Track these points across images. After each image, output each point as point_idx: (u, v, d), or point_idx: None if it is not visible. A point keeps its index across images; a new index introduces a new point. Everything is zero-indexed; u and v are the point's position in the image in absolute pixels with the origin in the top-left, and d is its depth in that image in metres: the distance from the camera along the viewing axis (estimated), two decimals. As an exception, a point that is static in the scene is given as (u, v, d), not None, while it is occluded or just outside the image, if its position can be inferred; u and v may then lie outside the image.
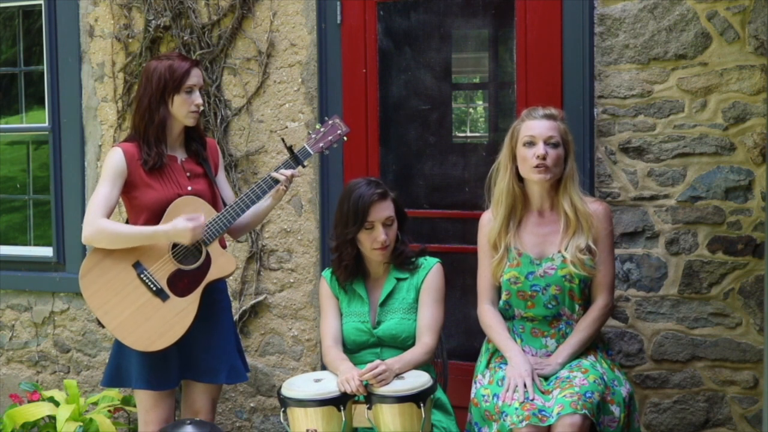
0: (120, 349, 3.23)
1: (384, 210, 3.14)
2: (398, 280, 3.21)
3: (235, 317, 4.20)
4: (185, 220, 3.10)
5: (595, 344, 3.12)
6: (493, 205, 3.21)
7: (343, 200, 3.20)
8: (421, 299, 3.18)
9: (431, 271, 3.20)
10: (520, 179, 3.16)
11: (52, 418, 3.97)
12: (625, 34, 3.58)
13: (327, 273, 3.31)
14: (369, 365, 2.95)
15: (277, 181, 3.26)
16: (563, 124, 3.13)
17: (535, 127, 3.08)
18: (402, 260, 3.20)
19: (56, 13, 4.53)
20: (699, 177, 3.54)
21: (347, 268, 3.20)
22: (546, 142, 3.06)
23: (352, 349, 3.19)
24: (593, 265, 3.07)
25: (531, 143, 3.08)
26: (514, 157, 3.14)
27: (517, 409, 2.82)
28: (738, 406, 3.57)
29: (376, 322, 3.19)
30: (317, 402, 2.90)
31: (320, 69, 4.06)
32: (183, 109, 3.21)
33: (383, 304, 3.19)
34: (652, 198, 3.60)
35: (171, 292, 3.15)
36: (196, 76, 3.23)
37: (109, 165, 3.18)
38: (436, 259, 3.25)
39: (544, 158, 3.03)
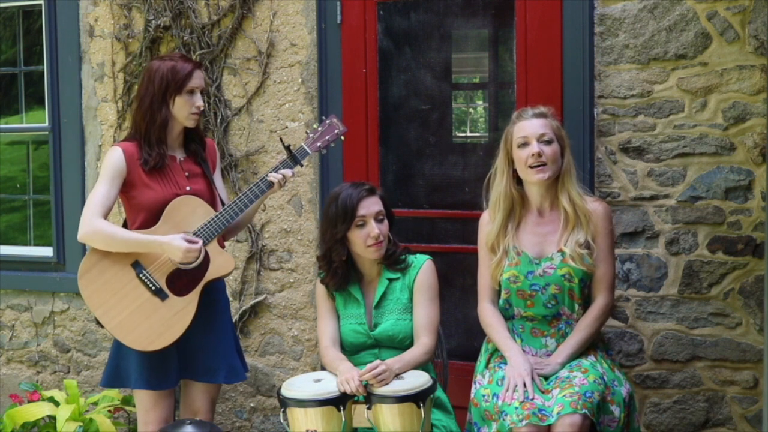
0: (119, 350, 3.23)
1: (373, 205, 3.14)
2: (390, 280, 3.20)
3: (235, 317, 4.20)
4: (183, 239, 3.10)
5: (595, 344, 3.12)
6: (490, 209, 3.21)
7: (329, 204, 3.18)
8: (415, 299, 3.17)
9: (422, 269, 3.19)
10: (518, 182, 3.16)
11: (52, 418, 3.97)
12: (625, 34, 3.58)
13: (323, 274, 3.30)
14: (369, 365, 2.95)
15: (273, 183, 3.26)
16: (555, 120, 3.14)
17: (527, 127, 3.09)
18: (393, 260, 3.20)
19: (56, 13, 4.53)
20: (699, 177, 3.54)
21: (337, 272, 3.17)
22: (539, 140, 3.06)
23: (351, 351, 3.19)
24: (592, 261, 3.07)
25: (525, 144, 3.08)
26: (510, 161, 3.14)
27: (517, 408, 2.82)
28: (738, 406, 3.57)
29: (372, 324, 3.18)
30: (317, 402, 2.90)
31: (320, 69, 4.06)
32: (184, 110, 3.21)
33: (378, 305, 3.19)
34: (652, 198, 3.60)
35: (170, 291, 3.15)
36: (198, 78, 3.23)
37: (108, 164, 3.18)
38: (426, 257, 3.24)
39: (540, 155, 3.04)
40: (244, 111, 4.21)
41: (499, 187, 3.17)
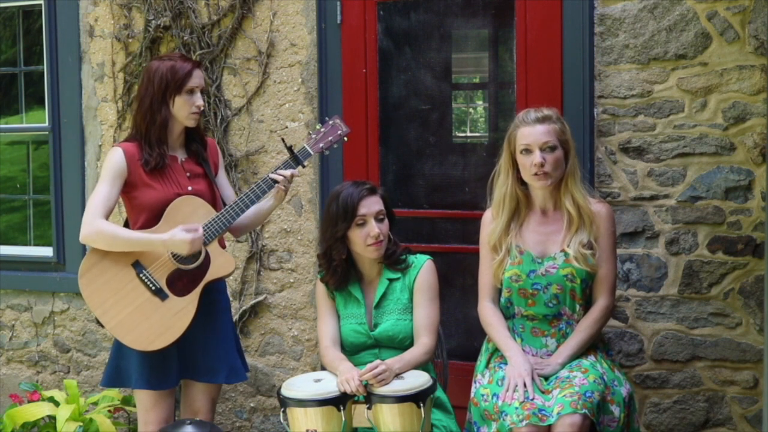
0: (119, 350, 3.23)
1: (374, 204, 3.14)
2: (390, 280, 3.19)
3: (235, 317, 4.20)
4: (183, 231, 3.09)
5: (595, 344, 3.12)
6: (494, 207, 3.20)
7: (330, 202, 3.18)
8: (415, 299, 3.17)
9: (422, 269, 3.19)
10: (522, 182, 3.15)
11: (52, 418, 3.97)
12: (625, 34, 3.58)
13: (323, 272, 3.30)
14: (369, 365, 2.95)
15: (276, 182, 3.26)
16: (559, 123, 3.10)
17: (530, 135, 3.06)
18: (394, 260, 3.20)
19: (56, 13, 4.53)
20: (699, 177, 3.54)
21: (337, 270, 3.17)
22: (542, 149, 3.04)
23: (351, 351, 3.19)
24: (595, 262, 3.07)
25: (528, 151, 3.06)
26: (514, 162, 3.13)
27: (517, 408, 2.82)
28: (738, 406, 3.57)
29: (372, 324, 3.18)
30: (317, 402, 2.90)
31: (320, 69, 4.07)
32: (184, 110, 3.21)
33: (378, 305, 3.19)
34: (652, 198, 3.60)
35: (170, 291, 3.15)
36: (197, 78, 3.23)
37: (109, 164, 3.18)
38: (427, 257, 3.23)
39: (542, 165, 3.03)
40: (244, 111, 4.21)
41: (503, 187, 3.16)
